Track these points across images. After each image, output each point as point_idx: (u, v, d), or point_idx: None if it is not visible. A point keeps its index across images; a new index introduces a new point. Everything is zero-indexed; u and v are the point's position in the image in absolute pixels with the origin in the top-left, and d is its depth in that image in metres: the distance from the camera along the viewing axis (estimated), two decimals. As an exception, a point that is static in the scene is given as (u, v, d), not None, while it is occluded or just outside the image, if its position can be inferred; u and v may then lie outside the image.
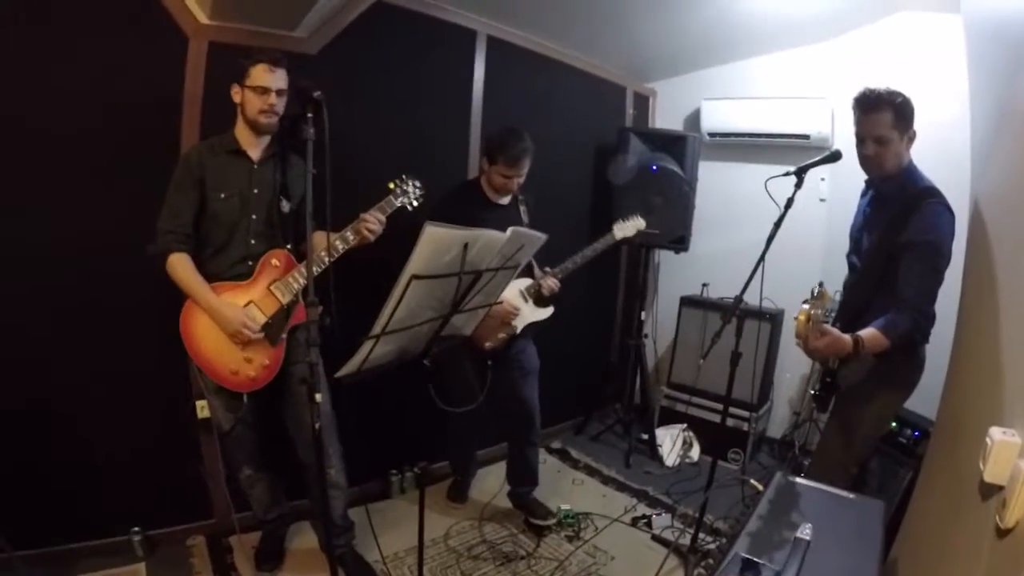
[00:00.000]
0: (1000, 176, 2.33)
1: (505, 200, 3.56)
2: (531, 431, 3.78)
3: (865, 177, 2.98)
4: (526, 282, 3.59)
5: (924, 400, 3.16)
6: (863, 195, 3.07)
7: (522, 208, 3.58)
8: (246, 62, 2.66)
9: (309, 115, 2.28)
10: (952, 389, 2.68)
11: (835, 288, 3.08)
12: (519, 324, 3.58)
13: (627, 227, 3.97)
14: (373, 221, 2.81)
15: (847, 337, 2.55)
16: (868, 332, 2.59)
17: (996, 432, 1.62)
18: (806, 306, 2.41)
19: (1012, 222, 2.08)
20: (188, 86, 3.01)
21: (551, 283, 3.57)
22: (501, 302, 3.12)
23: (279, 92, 2.70)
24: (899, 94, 2.67)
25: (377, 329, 2.03)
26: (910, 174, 2.75)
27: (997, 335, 2.08)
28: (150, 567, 3.11)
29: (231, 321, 2.66)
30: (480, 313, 2.66)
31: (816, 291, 2.42)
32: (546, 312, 3.68)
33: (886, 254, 2.74)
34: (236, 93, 2.71)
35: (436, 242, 1.99)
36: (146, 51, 2.90)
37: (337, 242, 2.76)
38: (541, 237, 2.64)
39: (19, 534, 2.69)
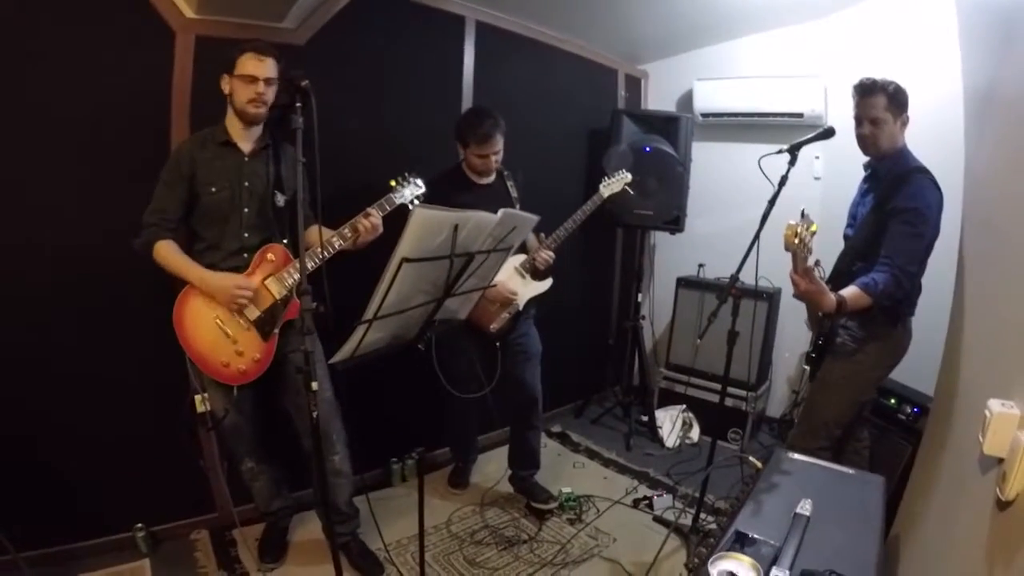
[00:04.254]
0: (994, 151, 2.33)
1: (488, 180, 3.54)
2: (533, 414, 3.78)
3: (863, 161, 3.10)
4: (520, 258, 3.59)
5: (922, 377, 3.20)
6: (864, 180, 3.19)
7: (509, 183, 3.56)
8: (234, 51, 2.65)
9: (298, 104, 2.26)
10: (950, 363, 2.69)
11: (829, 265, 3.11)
12: (520, 301, 3.58)
13: (613, 183, 3.91)
14: (375, 215, 2.83)
15: (832, 295, 2.68)
16: (849, 291, 2.74)
17: (995, 404, 1.62)
18: (793, 221, 2.44)
19: (1008, 195, 2.08)
20: (176, 81, 2.99)
21: (544, 256, 3.55)
22: (495, 285, 3.10)
23: (267, 81, 2.68)
24: (892, 82, 2.86)
25: (369, 314, 2.03)
26: (903, 155, 2.93)
27: (994, 308, 2.09)
28: (155, 563, 3.12)
29: (224, 289, 2.65)
30: (474, 296, 2.65)
31: (803, 212, 2.47)
32: (544, 285, 3.68)
33: (875, 223, 2.91)
34: (225, 83, 2.70)
35: (425, 224, 1.99)
36: (133, 47, 2.88)
37: (334, 239, 2.76)
38: (533, 219, 2.63)
39: (22, 535, 2.69)
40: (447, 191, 3.18)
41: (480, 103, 4.10)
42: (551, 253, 3.56)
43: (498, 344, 3.52)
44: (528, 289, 3.62)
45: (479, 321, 3.36)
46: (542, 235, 3.59)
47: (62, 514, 2.96)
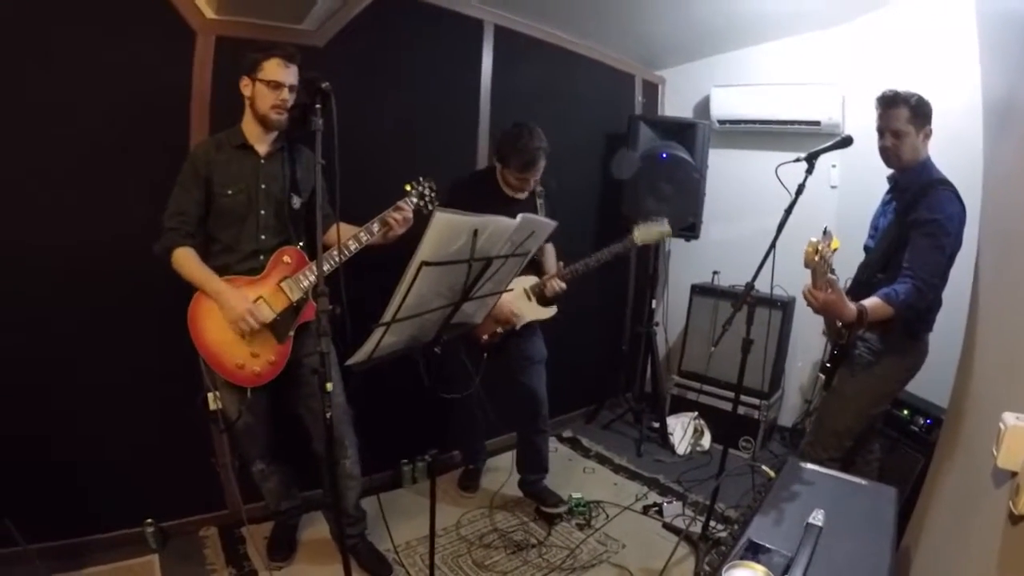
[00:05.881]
0: (1013, 161, 2.32)
1: (522, 195, 3.47)
2: (539, 419, 3.76)
3: (882, 171, 3.08)
4: (531, 280, 3.56)
5: (936, 388, 3.20)
6: (886, 192, 3.17)
7: (539, 201, 3.50)
8: (259, 55, 2.63)
9: (318, 106, 2.26)
10: (964, 375, 2.67)
11: (847, 276, 3.09)
12: (519, 323, 3.55)
13: (650, 232, 3.63)
14: (407, 208, 2.85)
15: (852, 306, 2.66)
16: (871, 301, 2.72)
17: (1009, 417, 1.61)
18: (814, 239, 2.43)
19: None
20: (196, 81, 3.01)
21: (556, 285, 3.51)
22: (512, 289, 3.09)
23: (291, 88, 2.67)
24: (915, 95, 2.84)
25: (387, 317, 2.02)
26: (925, 167, 2.91)
27: (1010, 320, 2.07)
28: (163, 558, 3.13)
29: (234, 309, 2.64)
30: (490, 302, 2.65)
31: (825, 230, 2.46)
32: (548, 312, 3.65)
33: (896, 235, 2.90)
34: (246, 86, 2.68)
35: (446, 228, 1.98)
36: (153, 47, 2.90)
37: (350, 242, 2.76)
38: (550, 224, 2.62)
39: (33, 528, 2.71)
40: (477, 198, 3.13)
41: (498, 107, 4.14)
42: (563, 284, 3.52)
43: (485, 355, 3.49)
44: (531, 312, 3.59)
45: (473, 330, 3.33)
46: (561, 264, 3.58)
47: (73, 508, 2.98)
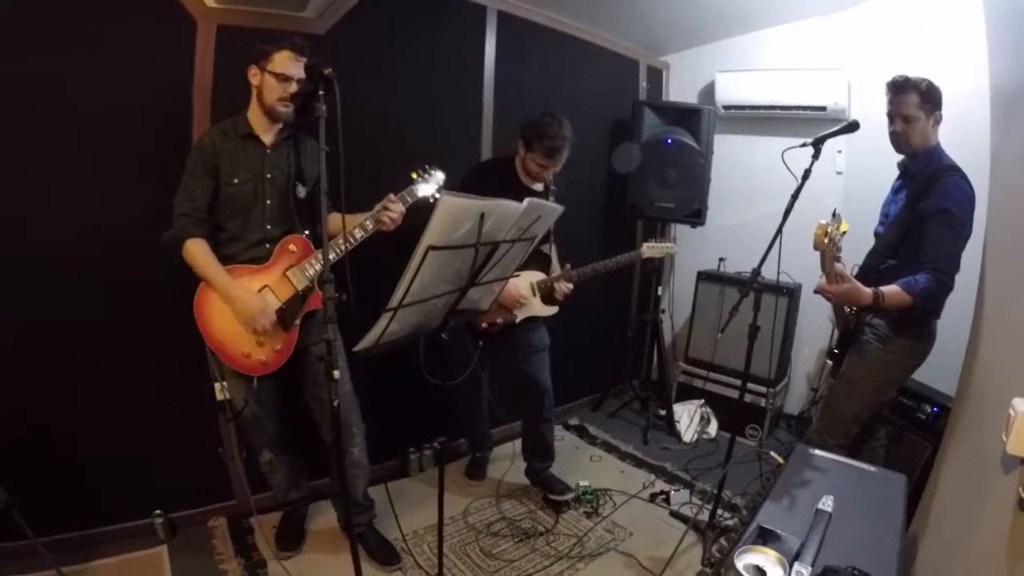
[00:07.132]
0: (1020, 147, 2.30)
1: (539, 186, 3.50)
2: (543, 408, 3.75)
3: (892, 157, 3.09)
4: (539, 276, 3.57)
5: (942, 377, 3.19)
6: (896, 178, 3.17)
7: (551, 199, 3.46)
8: (269, 47, 2.62)
9: (321, 92, 2.24)
10: (973, 360, 2.66)
11: (854, 262, 3.08)
12: (519, 314, 3.56)
13: (656, 248, 3.89)
14: (395, 208, 2.81)
15: (867, 289, 2.71)
16: (889, 288, 2.74)
17: (1020, 403, 1.60)
18: (824, 221, 2.43)
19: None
20: (197, 70, 2.99)
21: (564, 287, 3.54)
22: (518, 275, 3.08)
23: (298, 81, 2.65)
24: (925, 80, 2.84)
25: (394, 302, 2.02)
26: (935, 153, 2.91)
27: (1018, 306, 2.07)
28: (172, 550, 3.14)
29: (247, 311, 2.65)
30: (496, 288, 2.64)
31: (835, 212, 2.49)
32: (550, 310, 3.66)
33: (907, 221, 2.90)
34: (254, 75, 2.67)
35: (452, 212, 1.97)
36: (154, 36, 2.88)
37: (356, 230, 2.75)
38: (557, 209, 2.61)
39: (42, 520, 2.70)
40: (495, 185, 3.02)
41: (502, 93, 4.13)
42: (571, 285, 3.56)
43: (480, 343, 3.50)
44: (533, 306, 3.60)
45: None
46: (568, 265, 3.59)
47: (81, 500, 2.99)
